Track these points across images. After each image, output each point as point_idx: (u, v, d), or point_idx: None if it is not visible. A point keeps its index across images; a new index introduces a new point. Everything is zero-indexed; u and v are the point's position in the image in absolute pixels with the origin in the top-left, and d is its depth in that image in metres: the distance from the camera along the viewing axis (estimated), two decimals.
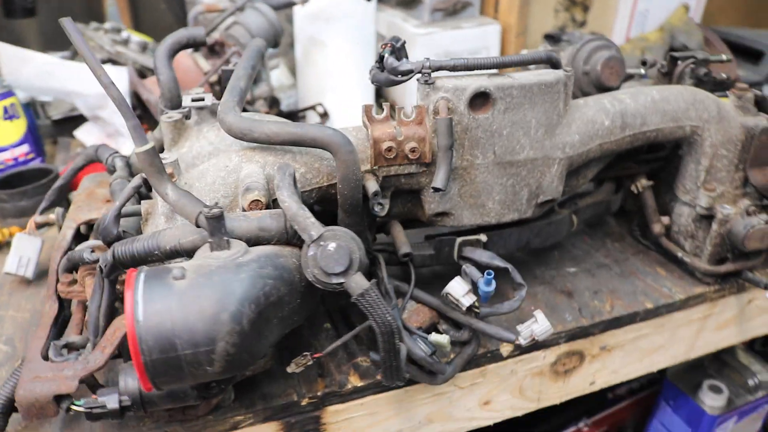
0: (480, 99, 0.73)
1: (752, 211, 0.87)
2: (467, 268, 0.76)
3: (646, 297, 0.91)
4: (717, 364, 1.35)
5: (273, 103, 1.26)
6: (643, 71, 0.97)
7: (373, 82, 0.77)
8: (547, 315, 0.76)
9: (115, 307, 0.65)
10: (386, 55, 0.74)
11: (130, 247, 0.60)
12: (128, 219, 0.74)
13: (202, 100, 0.74)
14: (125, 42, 1.27)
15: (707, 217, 0.90)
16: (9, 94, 1.13)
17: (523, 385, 0.87)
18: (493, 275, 0.72)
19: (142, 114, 1.21)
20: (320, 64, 1.30)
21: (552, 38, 1.34)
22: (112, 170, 0.84)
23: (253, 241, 0.58)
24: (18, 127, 1.14)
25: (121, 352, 0.63)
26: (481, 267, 0.77)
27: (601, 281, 0.94)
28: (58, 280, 0.70)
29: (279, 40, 1.23)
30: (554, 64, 0.80)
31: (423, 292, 0.78)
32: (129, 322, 0.51)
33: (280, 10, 1.22)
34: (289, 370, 0.65)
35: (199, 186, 0.66)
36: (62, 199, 0.97)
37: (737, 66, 1.54)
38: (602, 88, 0.94)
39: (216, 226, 0.55)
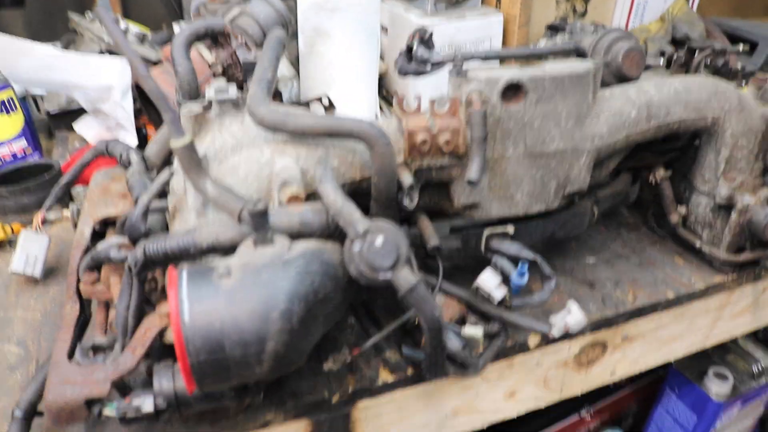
0: (512, 90, 0.72)
1: None
2: (498, 260, 0.75)
3: (666, 287, 0.91)
4: (721, 351, 1.37)
5: (274, 96, 1.23)
6: (662, 62, 0.96)
7: (400, 73, 0.75)
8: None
9: (144, 307, 0.63)
10: (415, 46, 0.72)
11: (163, 245, 0.58)
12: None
13: (225, 91, 0.72)
14: (123, 33, 1.23)
15: (726, 207, 0.90)
16: (5, 86, 1.09)
17: (547, 376, 0.86)
18: (526, 267, 0.72)
19: (143, 107, 1.17)
20: (324, 56, 1.28)
21: (555, 29, 1.33)
22: (126, 165, 0.81)
23: (294, 237, 0.57)
24: (15, 121, 1.10)
25: (151, 352, 0.61)
26: (510, 259, 0.76)
27: (621, 271, 0.94)
28: (78, 280, 0.67)
29: (288, 30, 1.20)
30: (581, 55, 0.79)
31: (451, 285, 0.77)
32: (174, 322, 0.49)
33: (286, 0, 1.19)
34: (326, 367, 0.64)
35: (231, 181, 0.63)
36: (66, 196, 0.94)
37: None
38: (623, 79, 0.93)
39: (260, 221, 0.53)
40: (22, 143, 1.11)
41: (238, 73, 1.13)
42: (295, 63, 1.44)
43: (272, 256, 0.52)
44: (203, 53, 1.15)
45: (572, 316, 0.73)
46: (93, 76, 1.09)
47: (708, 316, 0.96)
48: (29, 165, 1.05)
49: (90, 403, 0.57)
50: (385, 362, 0.75)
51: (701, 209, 0.94)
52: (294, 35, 1.40)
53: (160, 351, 0.61)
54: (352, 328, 0.80)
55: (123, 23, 1.25)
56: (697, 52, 0.92)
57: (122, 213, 0.75)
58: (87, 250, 0.69)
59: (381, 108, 1.39)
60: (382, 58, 1.45)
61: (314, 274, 0.53)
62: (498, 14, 1.44)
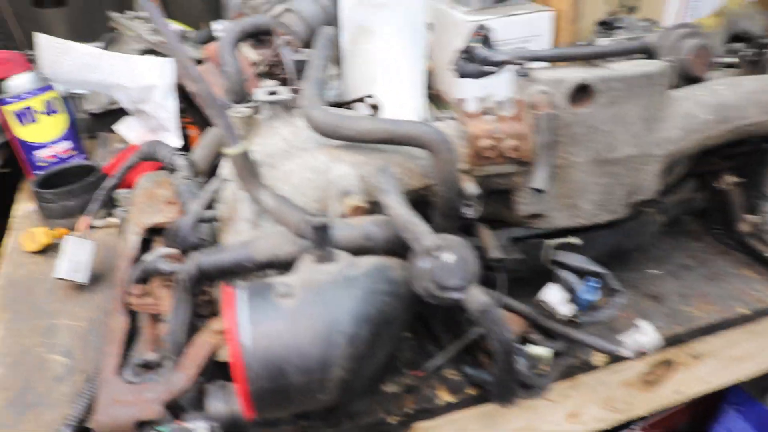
0: (580, 92, 0.67)
1: None
2: (564, 274, 0.70)
3: (737, 301, 0.85)
4: None
5: None
6: (733, 59, 0.90)
7: (459, 74, 0.71)
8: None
9: (195, 322, 0.60)
10: (476, 45, 0.68)
11: (217, 258, 0.55)
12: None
13: (277, 93, 0.69)
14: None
15: None
16: (48, 87, 1.08)
17: (612, 396, 0.82)
18: (598, 282, 0.67)
19: (186, 107, 1.15)
20: (369, 54, 1.24)
21: (606, 25, 1.28)
22: (172, 170, 0.79)
23: (356, 252, 0.53)
24: (59, 123, 1.08)
25: (204, 372, 0.58)
26: (575, 272, 0.71)
27: (687, 284, 0.88)
28: (127, 292, 0.65)
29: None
30: (650, 54, 0.73)
31: (512, 300, 0.72)
32: (234, 346, 0.45)
33: None
34: (388, 390, 0.60)
35: (285, 189, 0.60)
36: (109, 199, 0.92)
37: None
38: (689, 79, 0.88)
39: (322, 236, 0.49)
40: (66, 144, 1.10)
41: (282, 73, 1.10)
42: (336, 61, 1.40)
43: (335, 274, 0.48)
44: (246, 52, 1.12)
45: (646, 336, 0.68)
46: (135, 75, 1.07)
47: None
48: (72, 167, 1.04)
49: (140, 424, 0.55)
50: (444, 381, 0.71)
51: None
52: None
53: (211, 368, 0.59)
54: (409, 341, 0.76)
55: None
56: None
57: (170, 220, 0.72)
58: (135, 259, 0.67)
59: (429, 108, 1.34)
60: (427, 56, 1.41)
61: (380, 293, 0.49)
62: (547, 10, 1.38)
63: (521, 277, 0.83)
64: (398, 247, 0.54)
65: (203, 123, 1.11)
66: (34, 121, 1.08)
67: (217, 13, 1.62)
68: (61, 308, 0.82)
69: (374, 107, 1.27)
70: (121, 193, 1.01)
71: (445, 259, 0.50)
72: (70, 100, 1.27)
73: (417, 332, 0.76)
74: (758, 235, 0.92)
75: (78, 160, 1.11)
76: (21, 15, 1.52)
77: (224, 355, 0.56)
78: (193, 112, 1.13)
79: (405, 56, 1.26)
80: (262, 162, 0.66)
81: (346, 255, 0.51)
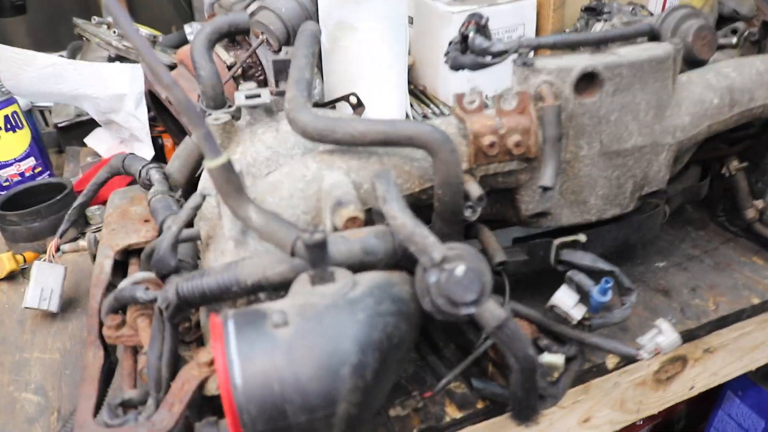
0: (586, 81, 0.62)
1: None
2: (574, 275, 0.66)
3: (749, 291, 0.82)
4: None
5: None
6: (734, 40, 0.86)
7: (453, 67, 0.66)
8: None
9: (179, 355, 0.54)
10: (472, 35, 0.63)
11: (199, 283, 0.49)
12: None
13: (257, 96, 0.63)
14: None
15: None
16: (10, 101, 1.00)
17: (624, 397, 0.77)
18: (611, 284, 0.62)
19: (157, 115, 1.08)
20: (350, 51, 1.18)
21: (592, 11, 1.24)
22: (146, 184, 0.72)
23: (356, 268, 0.48)
24: (22, 139, 1.01)
25: (191, 407, 0.53)
26: (584, 271, 0.67)
27: (696, 276, 0.85)
28: (101, 323, 0.59)
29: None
30: (655, 37, 0.69)
31: (520, 304, 0.67)
32: (224, 386, 0.40)
33: None
34: (393, 413, 0.55)
35: (273, 201, 0.54)
36: (81, 218, 0.85)
37: None
38: (693, 62, 0.83)
39: (318, 254, 0.44)
40: (30, 162, 1.03)
41: (259, 75, 1.04)
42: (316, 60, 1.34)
43: (334, 297, 0.43)
44: (220, 54, 1.05)
45: (664, 336, 0.63)
46: (103, 84, 1.00)
47: None
48: (39, 185, 0.97)
49: None
50: (451, 395, 0.66)
51: None
52: None
53: (200, 402, 0.53)
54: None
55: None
56: None
57: (146, 241, 0.66)
58: (108, 286, 0.61)
59: (411, 104, 1.29)
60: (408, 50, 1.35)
61: (386, 314, 0.44)
62: None
63: (524, 278, 0.79)
64: (401, 260, 0.49)
65: (178, 132, 1.05)
66: None
67: (190, 16, 1.56)
68: (31, 340, 0.76)
69: (358, 105, 1.21)
70: (93, 210, 0.95)
71: (456, 272, 0.45)
72: (34, 114, 1.20)
73: (418, 345, 0.71)
74: (765, 221, 0.88)
75: (45, 178, 1.04)
76: None
77: (213, 389, 0.51)
78: (166, 119, 1.06)
79: (388, 52, 1.20)
80: (244, 172, 0.60)
81: (345, 273, 0.45)
